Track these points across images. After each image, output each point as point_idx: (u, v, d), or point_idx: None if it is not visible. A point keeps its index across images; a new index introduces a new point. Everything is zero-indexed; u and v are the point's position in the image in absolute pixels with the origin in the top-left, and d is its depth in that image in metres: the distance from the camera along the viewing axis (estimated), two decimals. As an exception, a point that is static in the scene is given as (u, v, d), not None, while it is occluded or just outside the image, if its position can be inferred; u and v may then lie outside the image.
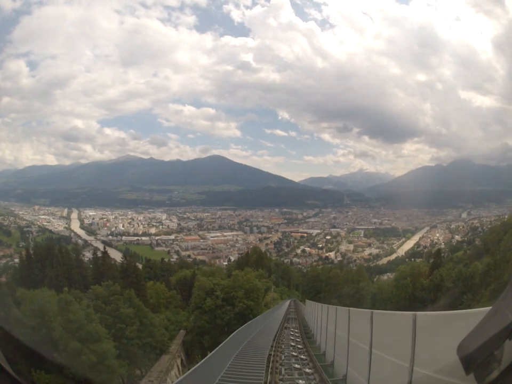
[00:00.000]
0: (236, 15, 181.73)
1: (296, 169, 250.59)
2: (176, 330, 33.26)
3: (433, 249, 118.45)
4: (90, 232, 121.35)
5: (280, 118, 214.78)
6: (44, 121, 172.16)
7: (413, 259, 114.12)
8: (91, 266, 47.41)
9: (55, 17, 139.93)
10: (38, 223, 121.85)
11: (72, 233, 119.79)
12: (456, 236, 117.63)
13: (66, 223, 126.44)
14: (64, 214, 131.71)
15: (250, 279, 34.24)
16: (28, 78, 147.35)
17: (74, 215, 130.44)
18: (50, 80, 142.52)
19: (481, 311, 2.84)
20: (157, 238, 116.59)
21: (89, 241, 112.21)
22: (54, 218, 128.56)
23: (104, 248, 60.09)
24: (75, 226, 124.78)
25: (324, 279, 68.54)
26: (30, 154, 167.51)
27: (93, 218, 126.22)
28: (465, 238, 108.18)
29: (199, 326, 31.21)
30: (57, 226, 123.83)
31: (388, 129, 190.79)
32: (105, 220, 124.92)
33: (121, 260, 52.98)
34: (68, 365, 12.56)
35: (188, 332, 32.91)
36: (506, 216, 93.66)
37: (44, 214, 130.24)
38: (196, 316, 32.27)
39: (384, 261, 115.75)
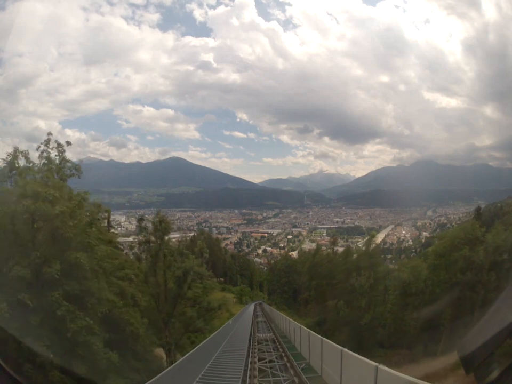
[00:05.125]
0: (199, 14, 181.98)
1: (255, 171, 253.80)
2: None
3: (402, 246, 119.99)
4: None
5: (239, 119, 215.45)
6: (8, 122, 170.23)
7: (382, 256, 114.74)
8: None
9: (27, 13, 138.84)
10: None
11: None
12: (424, 233, 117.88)
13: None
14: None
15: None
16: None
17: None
18: (16, 78, 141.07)
19: None
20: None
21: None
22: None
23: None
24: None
25: (306, 269, 44.52)
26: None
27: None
28: (434, 234, 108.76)
29: None
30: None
31: (349, 130, 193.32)
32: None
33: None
34: None
35: None
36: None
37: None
38: None
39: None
